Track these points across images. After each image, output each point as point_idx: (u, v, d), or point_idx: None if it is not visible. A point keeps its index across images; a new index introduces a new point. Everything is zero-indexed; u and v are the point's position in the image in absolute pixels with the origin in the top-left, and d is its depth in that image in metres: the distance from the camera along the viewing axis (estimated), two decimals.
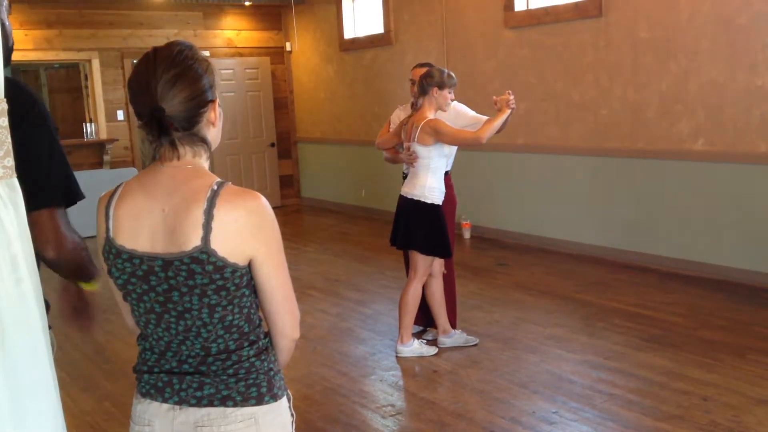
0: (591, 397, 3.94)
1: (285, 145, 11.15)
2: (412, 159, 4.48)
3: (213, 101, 1.63)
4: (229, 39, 10.49)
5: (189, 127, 1.59)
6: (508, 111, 4.39)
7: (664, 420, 3.63)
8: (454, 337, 4.78)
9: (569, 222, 7.14)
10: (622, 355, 4.50)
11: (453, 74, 4.60)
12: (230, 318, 1.61)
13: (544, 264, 6.80)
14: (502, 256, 7.19)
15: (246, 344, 1.64)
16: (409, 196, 4.51)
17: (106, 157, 9.75)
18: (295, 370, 4.52)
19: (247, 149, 10.75)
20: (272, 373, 1.69)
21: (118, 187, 1.65)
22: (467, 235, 8.06)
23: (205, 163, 1.65)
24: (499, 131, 4.52)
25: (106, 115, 9.86)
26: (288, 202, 11.15)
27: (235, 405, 1.63)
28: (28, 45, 9.16)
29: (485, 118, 4.62)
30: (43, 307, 1.45)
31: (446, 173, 4.84)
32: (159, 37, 9.99)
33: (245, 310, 1.63)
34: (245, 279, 1.59)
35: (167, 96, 1.55)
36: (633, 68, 6.36)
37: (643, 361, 4.37)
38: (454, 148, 4.78)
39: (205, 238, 1.52)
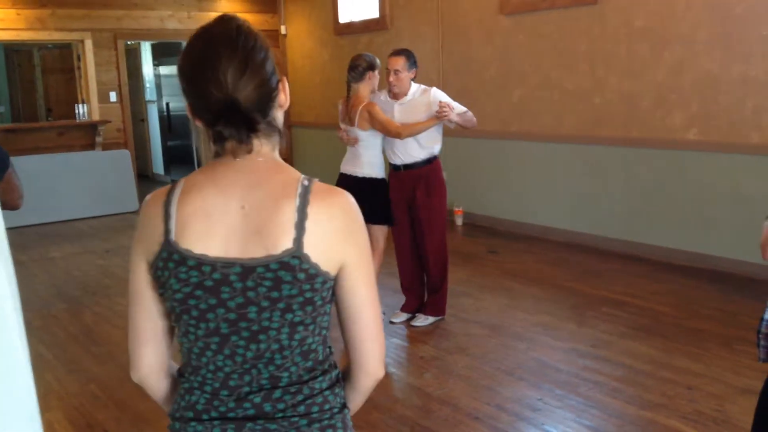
0: (576, 384, 3.94)
1: None
2: (352, 141, 4.78)
3: (280, 81, 1.40)
4: None
5: (264, 115, 1.35)
6: (435, 121, 4.70)
7: (648, 408, 3.63)
8: None
9: (562, 210, 7.13)
10: (609, 343, 4.50)
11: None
12: (310, 340, 1.37)
13: (536, 252, 6.79)
14: (493, 244, 7.18)
15: (319, 374, 1.40)
16: (359, 174, 4.80)
17: (99, 139, 9.70)
18: None
19: None
20: (346, 410, 1.44)
21: (175, 183, 1.39)
22: (459, 222, 8.05)
23: (278, 155, 1.41)
24: (464, 127, 4.93)
25: (99, 96, 9.81)
26: None
27: None
28: (20, 24, 9.09)
29: (463, 108, 4.87)
30: (15, 288, 1.37)
31: (435, 157, 4.85)
32: (153, 18, 9.94)
33: (324, 332, 1.40)
34: (331, 293, 1.38)
35: (239, 85, 1.31)
36: (628, 57, 6.33)
37: (630, 350, 4.37)
38: (433, 130, 4.80)
39: (298, 239, 1.30)
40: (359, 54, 4.85)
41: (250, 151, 1.35)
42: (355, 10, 9.62)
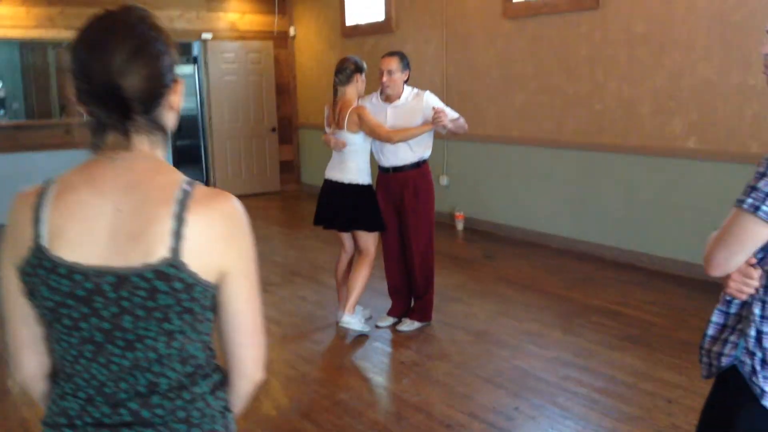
0: (555, 394, 3.88)
1: (286, 130, 11.11)
2: (339, 146, 4.67)
3: (176, 81, 1.35)
4: (232, 22, 10.44)
5: (148, 110, 1.30)
6: (429, 126, 4.63)
7: (625, 421, 3.57)
8: (357, 317, 4.79)
9: (560, 216, 7.06)
10: (594, 353, 4.43)
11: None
12: (190, 348, 1.32)
13: (532, 258, 6.73)
14: (491, 249, 7.12)
15: (200, 379, 1.36)
16: (345, 181, 4.71)
17: None
18: None
19: (248, 133, 10.72)
20: (228, 413, 1.41)
21: (48, 182, 1.31)
22: (460, 226, 7.99)
23: (163, 156, 1.35)
24: (455, 133, 4.84)
25: None
26: (287, 188, 11.12)
27: None
28: (30, 22, 9.15)
29: (456, 115, 4.77)
30: None
31: (425, 161, 4.80)
32: (161, 19, 9.57)
33: (205, 338, 1.35)
34: (212, 300, 1.33)
35: (126, 72, 1.25)
36: (628, 63, 6.25)
37: (614, 361, 4.30)
38: (425, 135, 4.76)
39: (175, 248, 1.24)
40: (346, 57, 4.79)
41: (129, 149, 1.30)
42: (361, 12, 9.60)
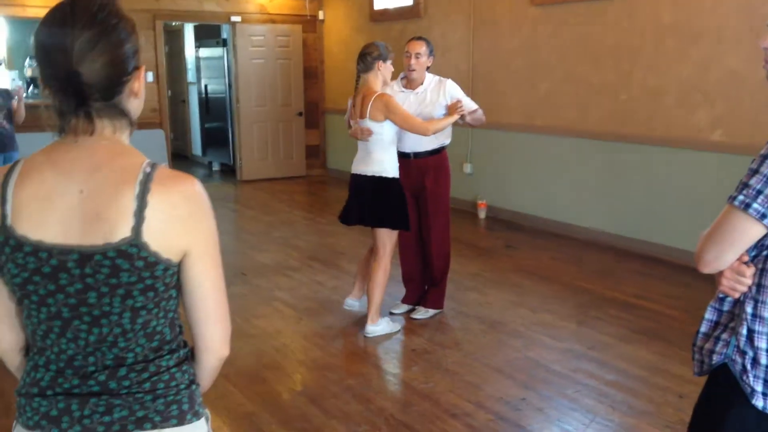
0: (564, 386, 3.86)
1: (313, 114, 11.12)
2: (364, 135, 4.44)
3: (138, 68, 1.38)
4: (261, 5, 10.46)
5: (109, 97, 1.34)
6: (456, 116, 4.50)
7: (633, 415, 3.54)
8: (382, 326, 4.65)
9: (582, 206, 6.99)
10: (607, 345, 4.39)
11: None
12: (154, 323, 1.38)
13: (553, 248, 6.68)
14: (512, 238, 7.08)
15: (166, 353, 1.42)
16: (368, 173, 4.47)
17: None
18: (276, 340, 4.54)
19: (275, 117, 10.75)
20: (194, 386, 1.46)
21: (16, 163, 1.37)
22: (482, 215, 7.95)
23: (127, 140, 1.40)
24: (472, 126, 4.83)
25: None
26: (313, 172, 11.14)
27: (154, 427, 1.38)
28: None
29: (475, 106, 4.70)
30: None
31: (443, 147, 4.78)
32: (191, 1, 10.01)
33: (170, 314, 1.42)
34: (175, 278, 1.39)
35: (86, 59, 1.29)
36: (654, 53, 6.15)
37: (628, 354, 4.26)
38: None
39: (137, 228, 1.29)
40: (370, 43, 4.57)
41: (92, 132, 1.34)
42: None
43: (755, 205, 1.61)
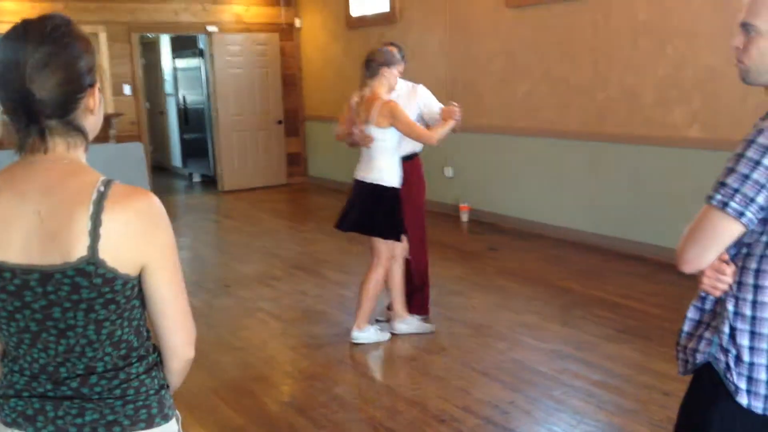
0: (551, 387, 3.86)
1: (293, 122, 11.10)
2: (367, 141, 4.39)
3: (92, 86, 1.43)
4: (237, 14, 10.43)
5: (63, 114, 1.39)
6: (452, 122, 4.43)
7: (620, 414, 3.55)
8: (410, 324, 4.69)
9: (564, 207, 7.01)
10: (592, 345, 4.40)
11: (401, 49, 4.63)
12: (119, 333, 1.44)
13: (536, 250, 6.69)
14: (495, 241, 7.09)
15: (135, 360, 1.48)
16: (368, 180, 4.43)
17: (112, 131, 9.75)
18: (262, 351, 4.51)
19: (254, 126, 10.72)
20: (163, 391, 1.53)
21: None
22: (465, 218, 7.96)
23: (82, 157, 1.45)
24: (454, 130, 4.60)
25: (113, 88, 9.88)
26: (294, 180, 11.11)
27: (123, 430, 1.45)
28: (35, 16, 9.16)
29: (438, 109, 4.66)
30: None
31: (416, 155, 4.78)
32: (166, 11, 9.97)
33: (135, 323, 1.47)
34: (136, 290, 1.44)
35: (38, 78, 1.34)
36: (631, 52, 6.19)
37: (613, 353, 4.28)
38: None
39: (93, 247, 1.34)
40: (376, 48, 4.54)
41: (45, 150, 1.40)
42: (366, 3, 9.56)
43: (733, 204, 1.62)
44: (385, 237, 4.47)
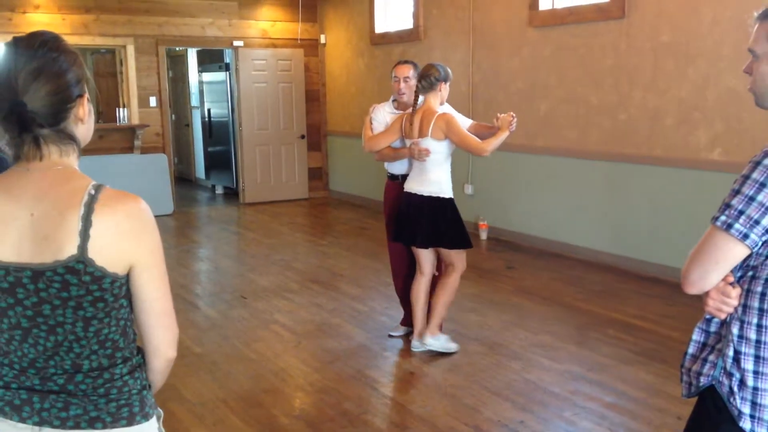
0: (562, 408, 3.83)
1: (315, 137, 11.15)
2: (423, 155, 4.43)
3: (81, 96, 1.52)
4: (263, 30, 10.53)
5: (54, 123, 1.48)
6: (506, 133, 4.42)
7: None
8: (440, 340, 4.65)
9: (583, 227, 6.97)
10: (607, 367, 4.36)
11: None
12: (106, 331, 1.52)
13: (554, 269, 6.65)
14: (513, 259, 7.06)
15: (119, 361, 1.56)
16: (425, 194, 4.48)
17: (137, 142, 9.89)
18: (274, 363, 4.52)
19: (277, 140, 10.79)
20: (145, 391, 1.60)
21: None
22: (484, 236, 7.94)
23: (75, 163, 1.54)
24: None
25: (139, 100, 10.00)
26: (316, 194, 11.16)
27: (105, 427, 1.52)
28: (66, 29, 9.32)
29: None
30: None
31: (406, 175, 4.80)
32: (194, 26, 10.09)
33: (122, 323, 1.55)
34: (124, 289, 1.52)
35: (29, 90, 1.44)
36: (653, 73, 6.17)
37: (627, 375, 4.23)
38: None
39: (82, 246, 1.43)
40: (432, 63, 4.57)
41: (41, 158, 1.49)
42: (390, 20, 9.62)
43: (737, 226, 1.61)
44: (454, 247, 4.53)
